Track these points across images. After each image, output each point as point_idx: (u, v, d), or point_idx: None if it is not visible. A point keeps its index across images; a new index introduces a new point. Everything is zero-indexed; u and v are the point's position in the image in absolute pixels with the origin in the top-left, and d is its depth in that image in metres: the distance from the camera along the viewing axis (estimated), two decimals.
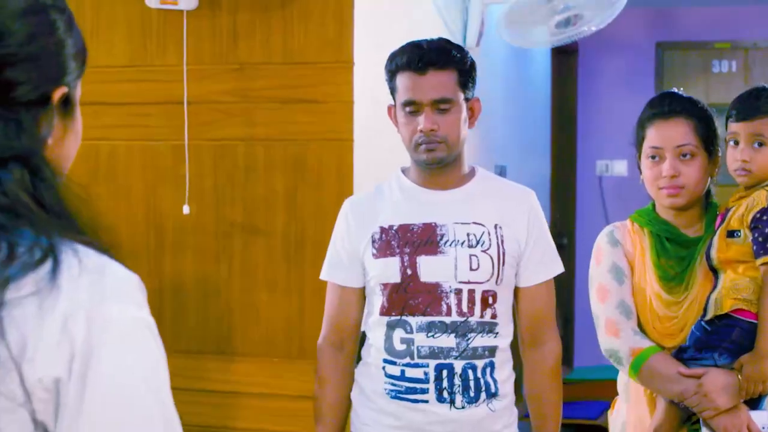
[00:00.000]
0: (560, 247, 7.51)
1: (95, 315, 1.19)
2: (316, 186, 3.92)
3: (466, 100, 3.00)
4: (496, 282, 2.97)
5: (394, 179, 3.11)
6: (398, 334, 2.97)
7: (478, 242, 2.97)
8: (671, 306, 2.97)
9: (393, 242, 2.98)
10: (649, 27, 8.32)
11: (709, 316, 2.85)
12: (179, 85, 4.00)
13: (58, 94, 1.30)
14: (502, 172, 5.92)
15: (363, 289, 3.09)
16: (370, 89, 3.96)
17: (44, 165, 1.24)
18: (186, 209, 3.97)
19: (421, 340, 2.94)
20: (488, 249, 2.97)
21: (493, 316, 2.97)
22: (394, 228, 3.00)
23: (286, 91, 3.92)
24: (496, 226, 2.99)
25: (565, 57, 8.17)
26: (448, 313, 2.93)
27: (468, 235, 2.97)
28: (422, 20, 4.58)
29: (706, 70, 8.28)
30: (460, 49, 3.03)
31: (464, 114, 2.99)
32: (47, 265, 1.18)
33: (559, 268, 3.11)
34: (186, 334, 4.04)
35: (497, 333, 2.98)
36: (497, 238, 2.98)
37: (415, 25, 4.47)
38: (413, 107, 2.96)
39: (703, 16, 8.20)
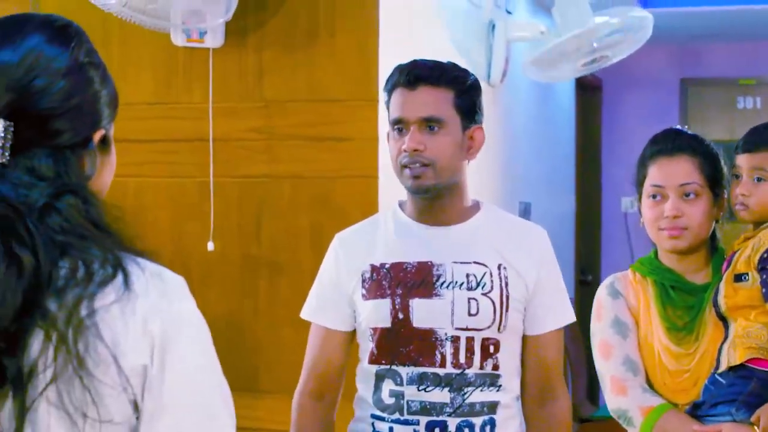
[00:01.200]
0: (585, 284, 7.55)
1: (166, 314, 1.50)
2: (341, 223, 3.89)
3: (465, 127, 2.69)
4: (499, 329, 2.64)
5: (390, 213, 2.81)
6: (387, 385, 2.66)
7: (478, 284, 2.64)
8: (682, 359, 2.76)
9: (384, 282, 2.67)
10: (673, 63, 8.33)
11: (723, 368, 2.66)
12: (205, 122, 4.02)
13: (97, 137, 1.57)
14: (526, 208, 5.92)
15: (350, 333, 2.78)
16: None
17: (90, 194, 1.52)
18: (210, 246, 3.99)
19: (411, 393, 2.62)
20: (489, 292, 2.64)
21: (495, 367, 2.64)
22: (387, 266, 2.68)
23: (311, 129, 3.94)
24: (499, 267, 2.67)
25: (589, 93, 8.17)
26: (442, 364, 2.61)
27: (467, 276, 2.65)
28: (448, 58, 4.60)
29: (730, 106, 8.28)
30: (461, 69, 2.76)
31: (459, 140, 2.67)
32: (120, 276, 1.47)
33: (570, 316, 2.80)
34: None
35: (500, 386, 2.66)
36: (500, 280, 2.65)
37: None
38: (401, 125, 2.67)
39: (728, 52, 8.20)
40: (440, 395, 2.61)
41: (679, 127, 2.97)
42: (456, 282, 2.64)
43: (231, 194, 4.04)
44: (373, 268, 2.70)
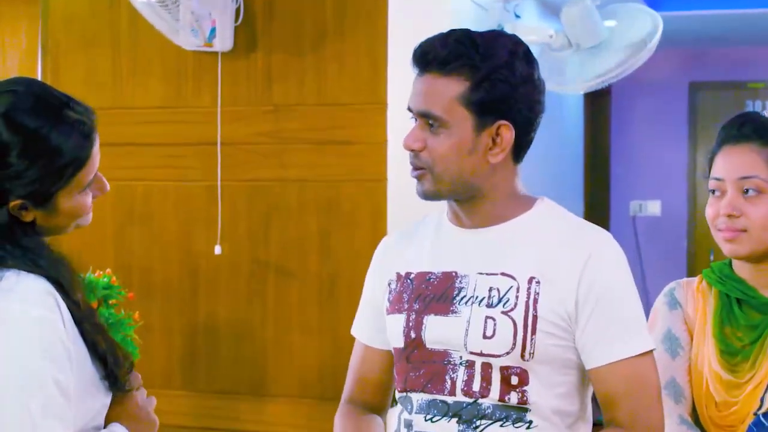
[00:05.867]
0: None
1: None
2: (350, 227, 3.92)
3: (483, 126, 2.15)
4: (523, 356, 2.13)
5: (438, 214, 2.35)
6: (403, 415, 2.26)
7: (499, 300, 2.15)
8: (732, 389, 2.28)
9: (405, 295, 2.25)
10: (681, 67, 8.32)
11: (765, 408, 2.23)
12: (213, 126, 4.02)
13: (11, 203, 1.94)
14: None
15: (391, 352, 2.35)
16: (404, 130, 3.96)
17: (11, 229, 1.94)
18: (217, 249, 3.99)
19: (419, 423, 2.21)
20: (511, 310, 2.14)
21: (523, 402, 2.15)
22: (411, 276, 2.26)
23: (319, 133, 3.94)
24: (531, 281, 2.15)
25: (597, 98, 8.16)
26: (452, 392, 2.18)
27: (490, 290, 2.16)
28: None
29: (739, 109, 8.21)
30: (492, 47, 2.15)
31: (469, 142, 2.16)
32: None
33: (640, 345, 2.14)
34: (219, 375, 4.03)
35: (530, 424, 2.16)
36: (528, 297, 2.14)
37: None
38: (412, 115, 2.24)
39: (737, 55, 8.19)
40: (447, 426, 2.19)
41: (759, 111, 2.47)
42: (476, 297, 2.18)
43: (239, 198, 4.04)
44: (399, 277, 2.29)
